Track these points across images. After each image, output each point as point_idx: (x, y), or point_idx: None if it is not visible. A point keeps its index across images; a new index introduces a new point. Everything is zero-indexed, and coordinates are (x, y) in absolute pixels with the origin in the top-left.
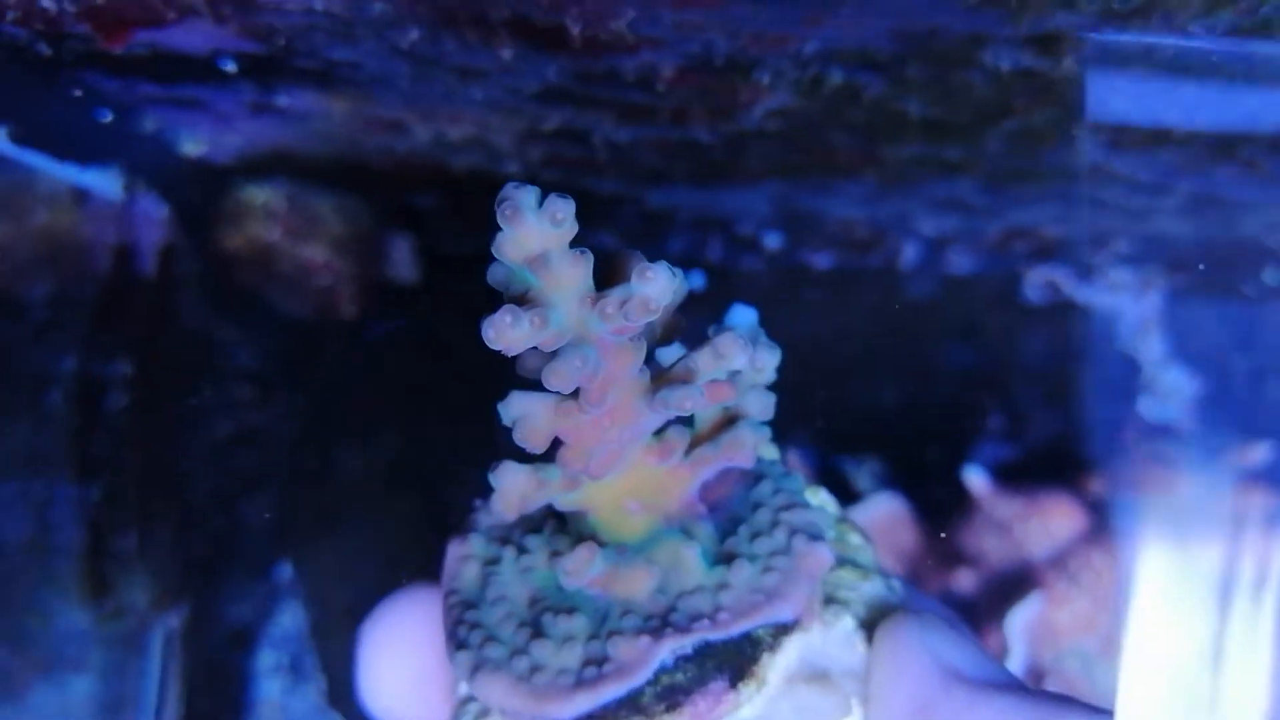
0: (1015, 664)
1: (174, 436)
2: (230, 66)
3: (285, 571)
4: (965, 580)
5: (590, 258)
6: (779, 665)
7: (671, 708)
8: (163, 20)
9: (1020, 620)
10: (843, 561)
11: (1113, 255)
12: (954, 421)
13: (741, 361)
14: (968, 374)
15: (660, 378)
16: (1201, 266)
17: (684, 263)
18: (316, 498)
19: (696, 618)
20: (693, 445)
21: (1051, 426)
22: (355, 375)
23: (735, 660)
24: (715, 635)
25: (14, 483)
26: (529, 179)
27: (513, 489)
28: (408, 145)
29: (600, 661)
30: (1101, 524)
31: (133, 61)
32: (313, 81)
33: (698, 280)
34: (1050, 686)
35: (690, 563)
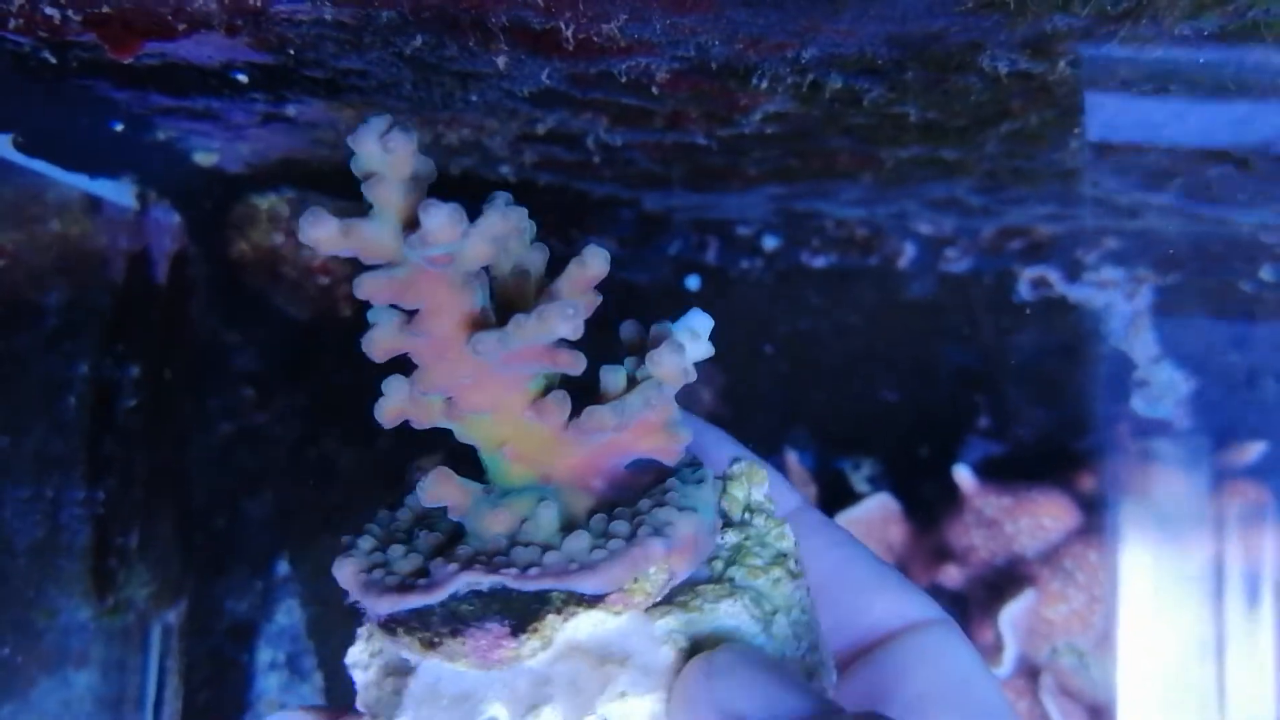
0: (1008, 660)
1: (179, 437)
2: (241, 77)
3: (284, 569)
4: (954, 575)
5: (422, 188)
6: (566, 631)
7: (454, 634)
8: (173, 32)
9: (1013, 616)
10: (720, 580)
11: (1104, 253)
12: (950, 419)
13: (565, 330)
14: (964, 372)
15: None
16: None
17: (682, 265)
18: (315, 496)
19: (508, 565)
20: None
21: (1045, 424)
22: (354, 375)
23: (521, 612)
24: (514, 584)
25: (27, 486)
26: (523, 182)
27: (393, 399)
28: None
29: (421, 575)
30: (1094, 521)
31: (144, 72)
32: (321, 91)
33: (694, 282)
34: (1044, 682)
35: (542, 520)
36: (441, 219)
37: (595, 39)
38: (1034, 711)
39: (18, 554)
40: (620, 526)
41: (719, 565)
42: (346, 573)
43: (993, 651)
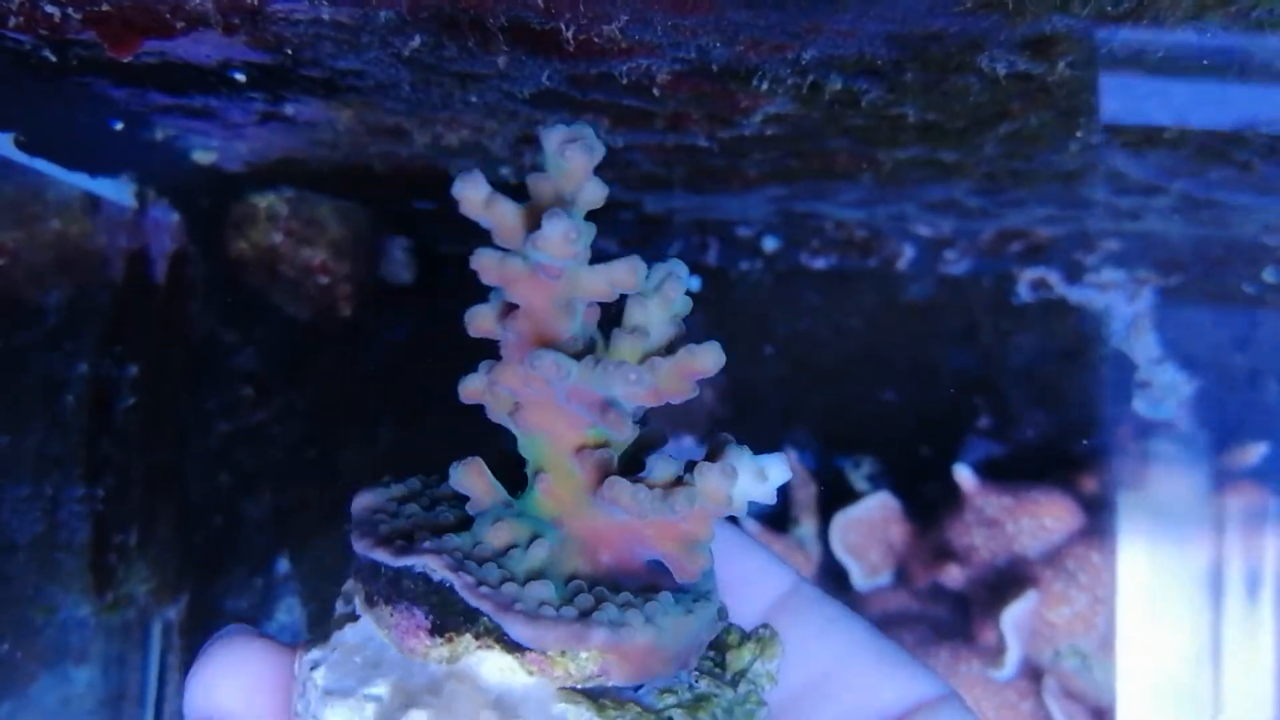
0: (1011, 662)
1: (178, 435)
2: (239, 76)
3: (283, 567)
4: (955, 575)
5: (581, 207)
6: (475, 658)
7: (388, 601)
8: (171, 30)
9: (1015, 618)
10: (657, 713)
11: (1105, 255)
12: (950, 420)
13: (619, 390)
14: (964, 373)
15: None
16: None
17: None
18: (314, 494)
19: (467, 572)
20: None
21: (1047, 425)
22: (353, 374)
23: (448, 617)
24: (459, 589)
25: (26, 485)
26: (523, 184)
27: (476, 380)
28: (408, 151)
29: (403, 537)
30: (1097, 522)
31: (143, 71)
32: (319, 90)
33: (694, 283)
34: (1048, 684)
35: (530, 555)
36: (557, 230)
37: (596, 40)
38: (1038, 714)
39: (17, 551)
40: (584, 600)
41: (668, 700)
42: (359, 503)
43: (995, 653)
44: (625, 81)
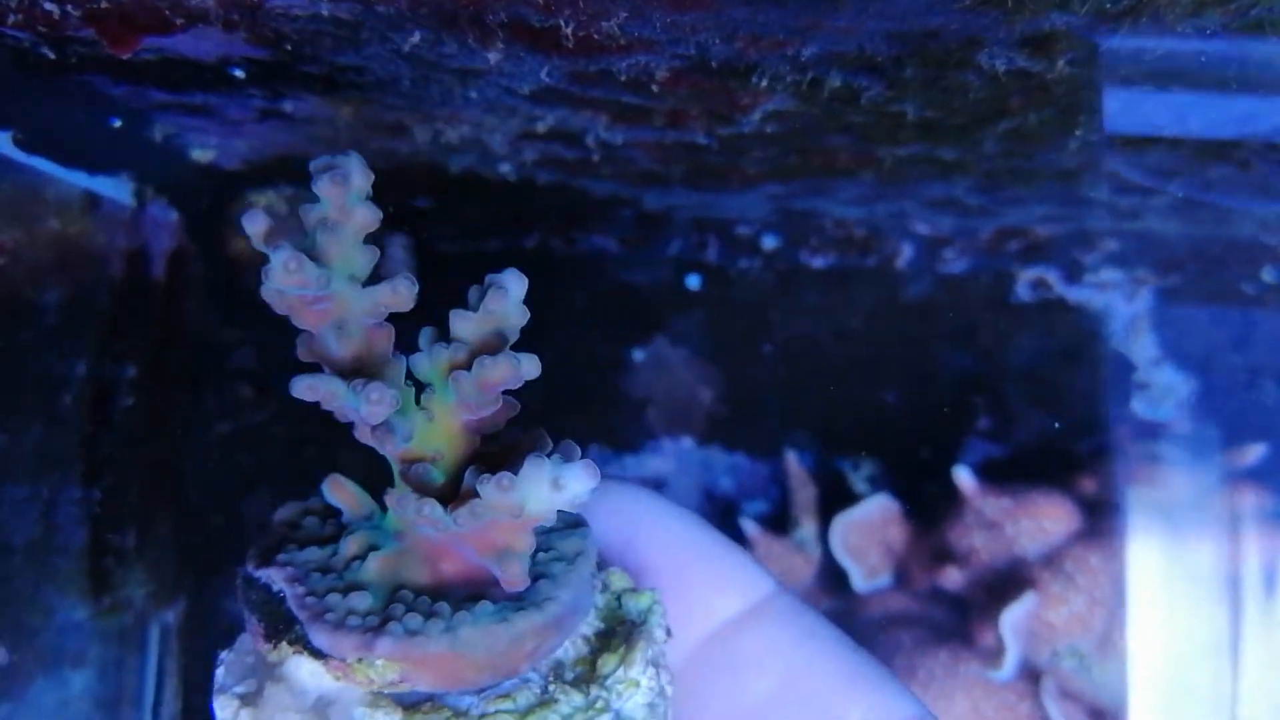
0: (1010, 663)
1: (176, 436)
2: (239, 73)
3: None
4: (955, 577)
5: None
6: (291, 664)
7: (246, 606)
8: (170, 27)
9: (1014, 619)
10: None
11: (1104, 254)
12: (949, 421)
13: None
14: (963, 373)
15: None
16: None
17: (682, 264)
18: (313, 494)
19: (304, 583)
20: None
21: (1045, 426)
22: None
23: (277, 624)
24: (289, 599)
25: (24, 485)
26: (523, 180)
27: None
28: (409, 148)
29: (273, 549)
30: (1096, 523)
31: (142, 68)
32: (318, 87)
33: (695, 281)
34: (1046, 685)
35: (367, 568)
36: (277, 261)
37: (595, 36)
38: (1036, 715)
39: (14, 553)
40: (396, 609)
41: (501, 705)
42: (274, 516)
43: (994, 655)
44: (624, 78)
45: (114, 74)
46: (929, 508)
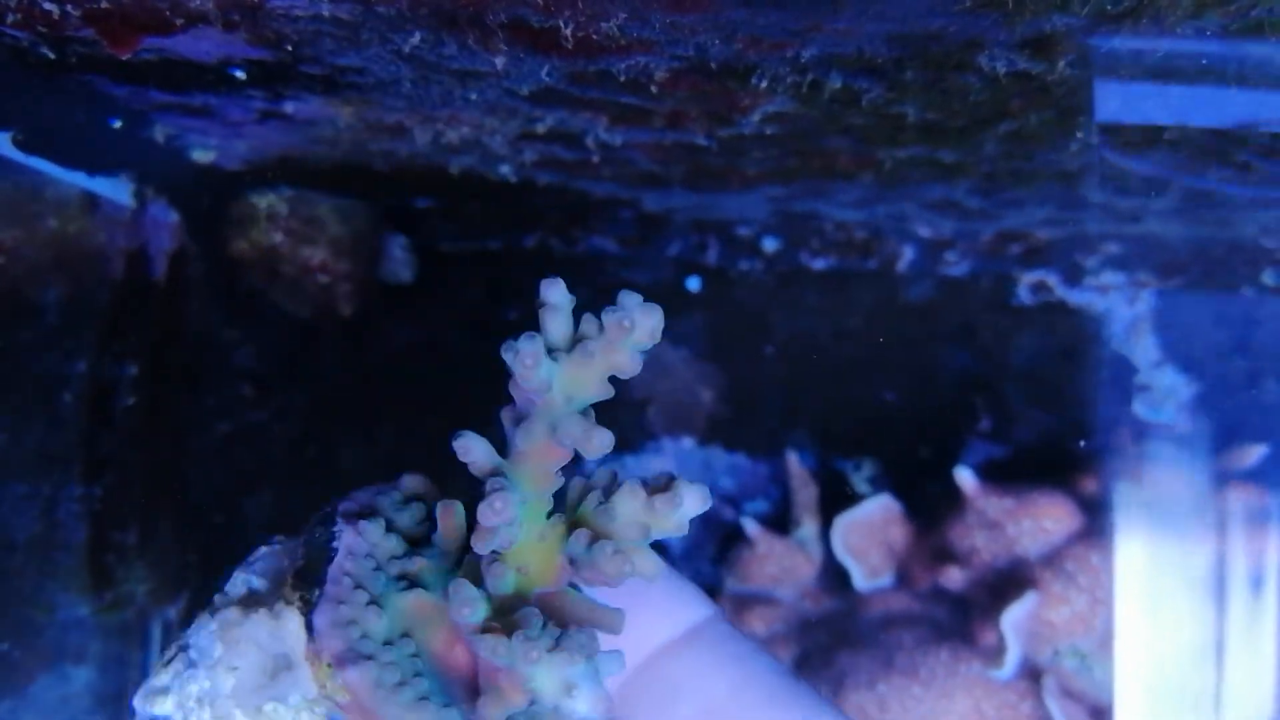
0: (1011, 662)
1: (178, 434)
2: (239, 74)
3: None
4: (956, 578)
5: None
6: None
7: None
8: (170, 27)
9: (1015, 619)
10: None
11: (1105, 257)
12: (950, 422)
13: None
14: (964, 375)
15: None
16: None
17: (682, 265)
18: (315, 494)
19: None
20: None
21: (1046, 427)
22: (353, 373)
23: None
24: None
25: (25, 483)
26: (523, 181)
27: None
28: (408, 149)
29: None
30: (1097, 524)
31: (142, 68)
32: (319, 88)
33: (695, 283)
34: (1047, 684)
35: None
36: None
37: (594, 37)
38: (1037, 714)
39: (16, 550)
40: (386, 654)
41: None
42: (399, 484)
43: (995, 654)
44: (623, 79)
45: (114, 74)
46: (930, 508)
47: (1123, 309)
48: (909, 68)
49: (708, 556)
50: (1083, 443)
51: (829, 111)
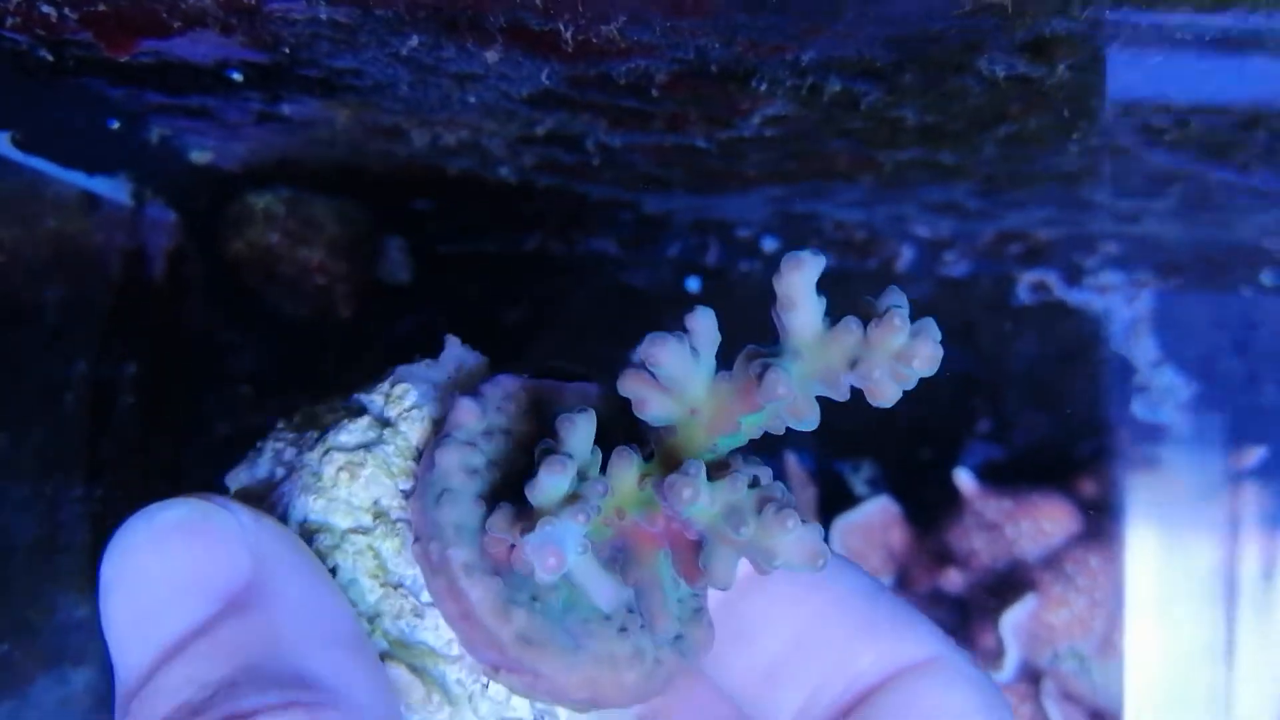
0: (1010, 665)
1: (176, 435)
2: (236, 76)
3: None
4: (955, 580)
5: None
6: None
7: None
8: (168, 30)
9: (1014, 621)
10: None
11: (1104, 257)
12: (949, 423)
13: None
14: (964, 376)
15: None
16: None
17: (682, 267)
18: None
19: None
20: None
21: (1046, 428)
22: (352, 374)
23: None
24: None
25: (27, 486)
26: (522, 183)
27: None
28: (406, 151)
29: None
30: (1096, 525)
31: (140, 70)
32: (316, 90)
33: (694, 284)
34: (1046, 687)
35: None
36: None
37: (594, 41)
38: (1036, 717)
39: (16, 552)
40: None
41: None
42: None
43: (994, 657)
44: (623, 82)
45: (112, 77)
46: (929, 510)
47: (1122, 309)
48: (908, 71)
49: None
50: (1082, 443)
51: (829, 114)
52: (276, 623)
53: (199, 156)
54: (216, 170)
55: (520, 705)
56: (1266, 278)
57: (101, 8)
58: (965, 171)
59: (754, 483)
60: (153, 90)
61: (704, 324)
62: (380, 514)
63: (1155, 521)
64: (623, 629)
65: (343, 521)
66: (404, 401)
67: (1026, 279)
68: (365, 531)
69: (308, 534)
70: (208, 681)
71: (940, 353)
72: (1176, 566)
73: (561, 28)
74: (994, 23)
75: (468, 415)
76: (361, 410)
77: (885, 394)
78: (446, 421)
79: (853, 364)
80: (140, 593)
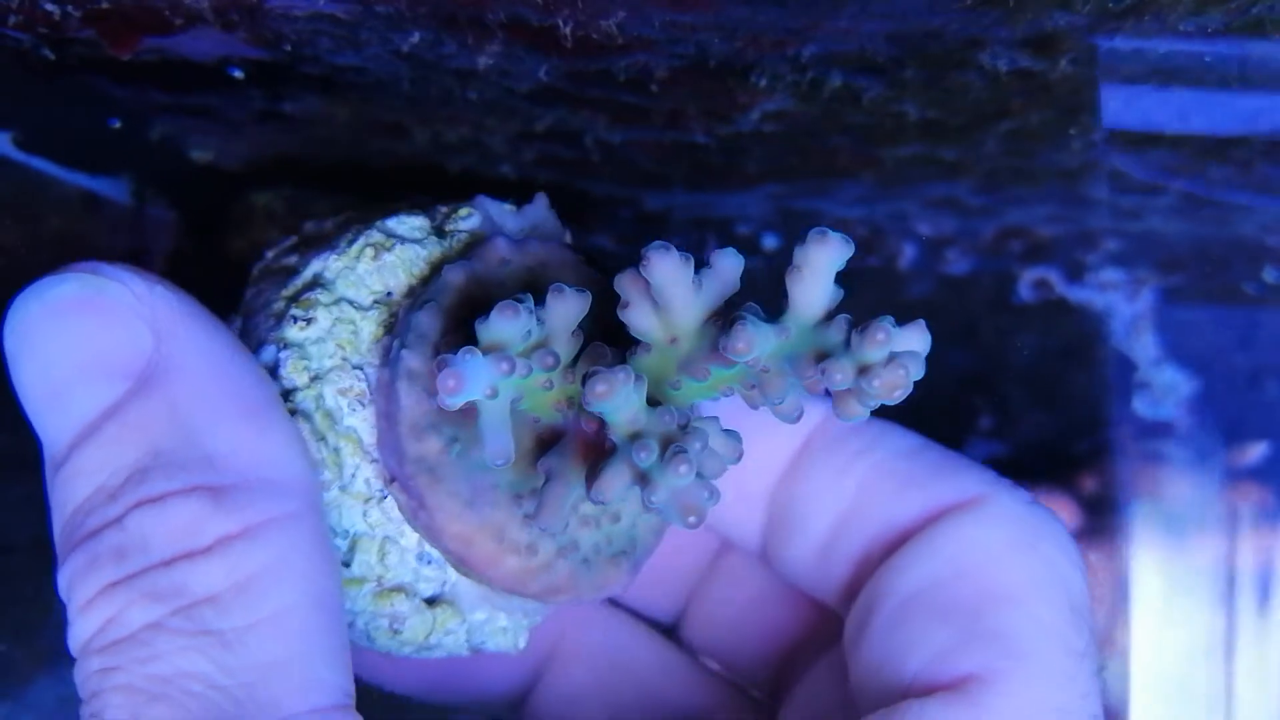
0: None
1: None
2: (238, 74)
3: None
4: None
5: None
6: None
7: None
8: (170, 27)
9: None
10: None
11: (1106, 254)
12: (951, 421)
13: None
14: (965, 373)
15: None
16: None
17: None
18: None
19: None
20: None
21: (1046, 425)
22: None
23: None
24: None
25: (25, 484)
26: (523, 180)
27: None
28: (408, 149)
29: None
30: (1096, 522)
31: (141, 69)
32: (317, 87)
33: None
34: None
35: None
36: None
37: (594, 36)
38: None
39: (15, 551)
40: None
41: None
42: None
43: None
44: (623, 78)
45: (114, 75)
46: None
47: (1123, 306)
48: (909, 66)
49: None
50: (1083, 441)
51: (829, 110)
52: (182, 400)
53: (200, 155)
54: (218, 169)
55: (410, 538)
56: (1269, 274)
57: (104, 5)
58: (967, 168)
59: (687, 427)
60: (155, 89)
61: (724, 264)
62: (382, 303)
63: (1155, 517)
64: (529, 519)
65: (346, 290)
66: (463, 222)
67: (1028, 276)
68: (359, 307)
69: (312, 284)
70: (120, 466)
71: (907, 390)
72: (1177, 562)
73: (560, 23)
74: (996, 16)
75: (494, 251)
76: (423, 212)
77: (848, 408)
78: (476, 250)
79: (820, 358)
80: (48, 371)
